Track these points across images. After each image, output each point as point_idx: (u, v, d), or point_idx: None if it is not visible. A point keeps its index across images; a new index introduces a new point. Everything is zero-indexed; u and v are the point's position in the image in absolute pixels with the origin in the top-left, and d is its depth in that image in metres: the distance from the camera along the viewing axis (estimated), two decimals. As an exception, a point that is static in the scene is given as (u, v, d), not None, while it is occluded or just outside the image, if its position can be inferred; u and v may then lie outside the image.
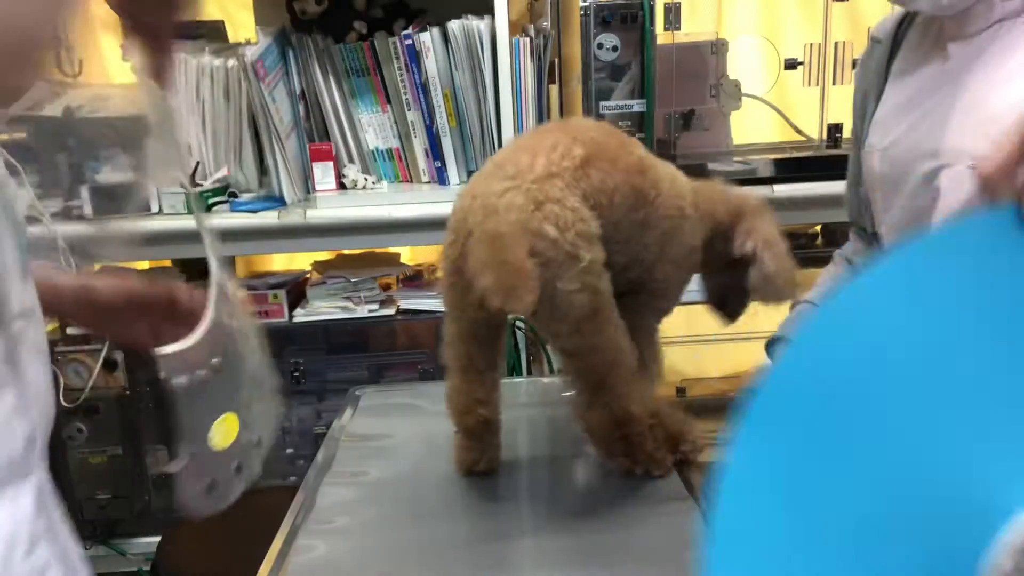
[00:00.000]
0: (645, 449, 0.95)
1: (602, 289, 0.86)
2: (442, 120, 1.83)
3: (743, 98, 1.89)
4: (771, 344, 1.10)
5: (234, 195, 1.77)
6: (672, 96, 1.81)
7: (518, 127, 1.78)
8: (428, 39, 1.77)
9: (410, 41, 1.79)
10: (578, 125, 0.95)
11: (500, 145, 1.79)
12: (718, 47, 1.86)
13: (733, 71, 1.89)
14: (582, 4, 1.66)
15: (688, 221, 0.98)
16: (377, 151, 1.91)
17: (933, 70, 0.90)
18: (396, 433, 1.18)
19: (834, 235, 1.94)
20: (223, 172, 1.81)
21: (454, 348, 0.97)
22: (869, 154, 0.98)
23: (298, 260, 2.29)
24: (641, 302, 1.00)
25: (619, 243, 0.91)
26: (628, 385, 0.91)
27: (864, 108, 1.02)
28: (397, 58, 1.81)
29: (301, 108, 1.87)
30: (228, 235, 1.71)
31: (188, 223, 1.69)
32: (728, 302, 1.09)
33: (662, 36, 1.76)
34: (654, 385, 1.04)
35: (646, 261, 0.96)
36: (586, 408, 0.93)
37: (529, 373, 1.90)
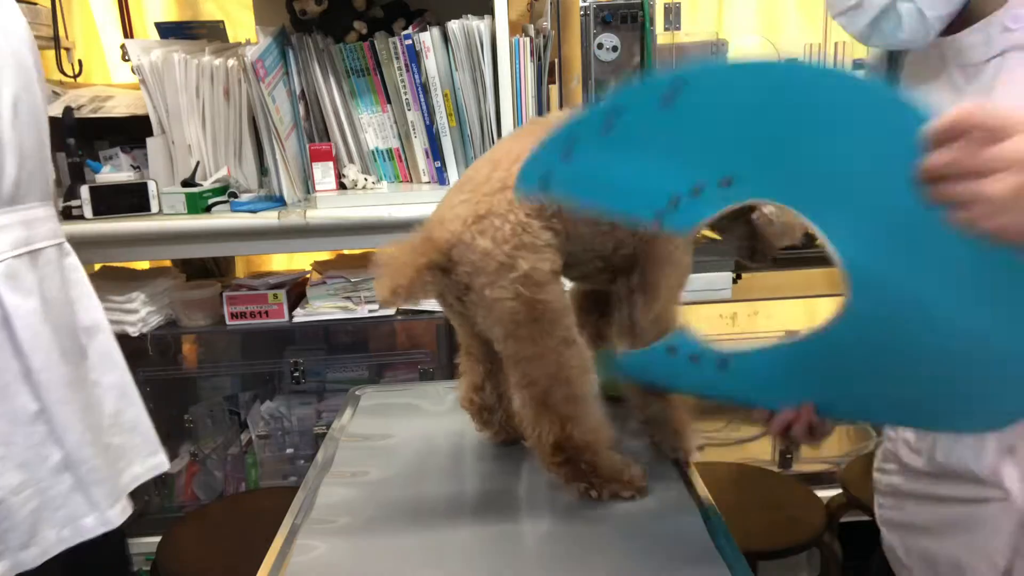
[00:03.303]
0: (602, 473, 0.93)
1: (543, 299, 0.87)
2: (442, 120, 1.83)
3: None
4: None
5: (234, 195, 1.77)
6: (672, 96, 1.80)
7: (518, 127, 1.78)
8: (428, 39, 1.77)
9: (410, 41, 1.79)
10: (554, 121, 0.94)
11: (500, 145, 1.79)
12: (718, 47, 1.86)
13: (733, 71, 1.88)
14: (582, 4, 1.66)
15: None
16: (377, 151, 1.91)
17: (946, 99, 0.85)
18: (396, 433, 1.18)
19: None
20: (223, 172, 1.81)
21: (459, 333, 1.03)
22: None
23: (298, 260, 2.29)
24: (646, 278, 0.99)
25: (603, 232, 0.94)
26: (573, 406, 0.89)
27: None
28: (397, 58, 1.81)
29: (301, 108, 1.87)
30: (228, 235, 1.71)
31: (188, 223, 1.69)
32: (755, 251, 1.07)
33: (662, 36, 1.76)
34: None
35: (640, 233, 0.97)
36: (531, 424, 0.92)
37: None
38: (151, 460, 1.27)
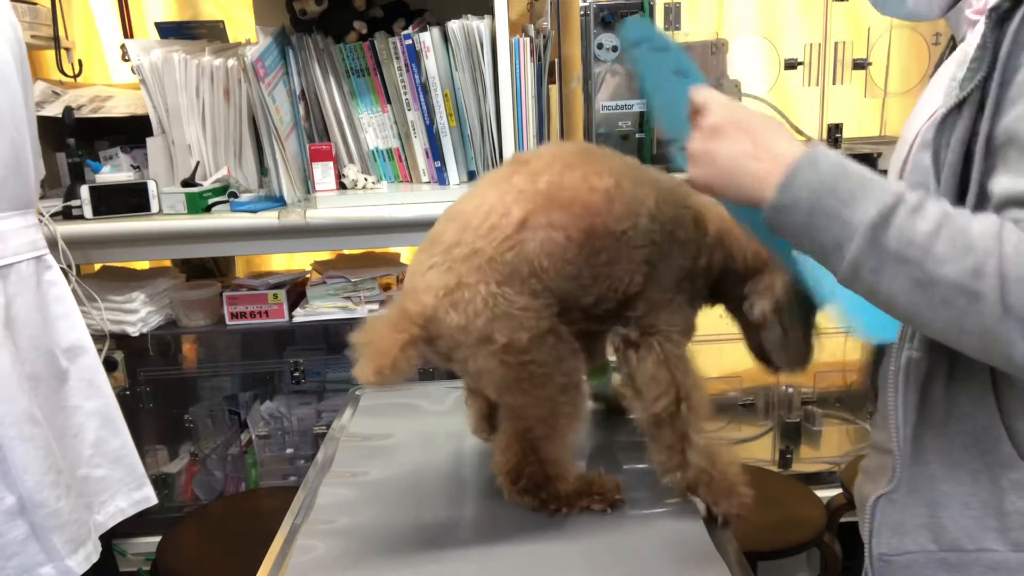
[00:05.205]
0: (562, 497, 0.93)
1: (530, 360, 0.84)
2: (442, 120, 1.83)
3: (743, 98, 1.89)
4: None
5: (234, 195, 1.77)
6: (672, 96, 1.80)
7: (518, 127, 1.78)
8: (428, 39, 1.77)
9: (410, 41, 1.79)
10: (535, 166, 0.89)
11: (500, 145, 1.79)
12: (718, 47, 1.86)
13: (733, 71, 1.89)
14: (582, 4, 1.66)
15: (682, 245, 0.93)
16: (377, 151, 1.91)
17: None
18: (396, 433, 1.18)
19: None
20: (223, 172, 1.81)
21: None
22: None
23: (298, 260, 2.29)
24: (643, 323, 0.94)
25: (584, 287, 0.89)
26: (545, 446, 0.90)
27: None
28: (397, 58, 1.81)
29: (301, 108, 1.87)
30: (228, 235, 1.71)
31: (188, 223, 1.69)
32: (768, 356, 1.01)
33: (662, 36, 1.76)
34: (699, 420, 0.94)
35: (622, 289, 0.91)
36: (500, 448, 0.92)
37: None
38: (136, 494, 1.18)
